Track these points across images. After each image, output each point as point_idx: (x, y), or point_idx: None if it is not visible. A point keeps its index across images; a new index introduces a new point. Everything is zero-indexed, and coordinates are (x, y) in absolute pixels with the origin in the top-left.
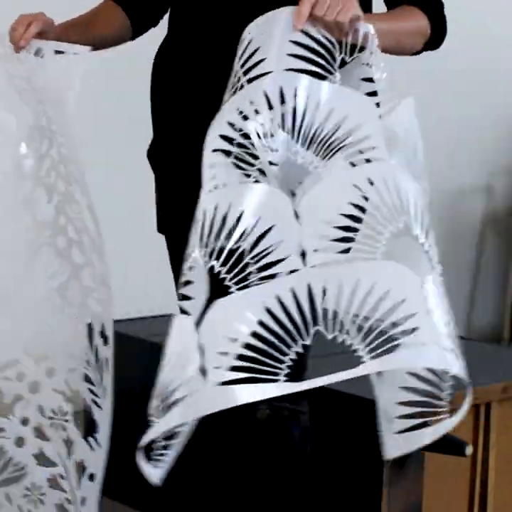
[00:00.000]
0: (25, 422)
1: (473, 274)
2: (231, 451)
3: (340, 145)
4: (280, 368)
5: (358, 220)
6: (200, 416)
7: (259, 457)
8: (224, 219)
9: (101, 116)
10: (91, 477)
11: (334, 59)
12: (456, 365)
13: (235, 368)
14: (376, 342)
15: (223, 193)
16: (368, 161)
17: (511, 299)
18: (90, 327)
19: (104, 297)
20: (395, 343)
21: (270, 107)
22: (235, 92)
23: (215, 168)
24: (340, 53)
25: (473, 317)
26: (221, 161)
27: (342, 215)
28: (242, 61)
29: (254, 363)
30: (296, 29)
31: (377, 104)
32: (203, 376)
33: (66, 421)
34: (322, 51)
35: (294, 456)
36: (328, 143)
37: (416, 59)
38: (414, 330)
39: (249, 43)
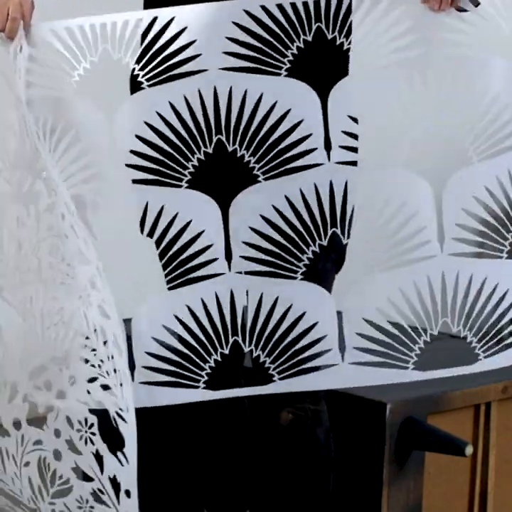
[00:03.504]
0: (57, 433)
1: None
2: (253, 456)
3: (281, 145)
4: (201, 375)
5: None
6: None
7: (284, 460)
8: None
9: None
10: (127, 494)
11: (280, 48)
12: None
13: (159, 370)
14: (287, 363)
15: (157, 195)
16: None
17: None
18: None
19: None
20: (306, 366)
21: (204, 111)
22: (134, 90)
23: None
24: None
25: None
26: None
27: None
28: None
29: (178, 367)
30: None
31: None
32: (130, 371)
33: (93, 434)
34: (260, 45)
35: (320, 458)
36: (269, 142)
37: None
38: (325, 352)
39: (182, 31)
